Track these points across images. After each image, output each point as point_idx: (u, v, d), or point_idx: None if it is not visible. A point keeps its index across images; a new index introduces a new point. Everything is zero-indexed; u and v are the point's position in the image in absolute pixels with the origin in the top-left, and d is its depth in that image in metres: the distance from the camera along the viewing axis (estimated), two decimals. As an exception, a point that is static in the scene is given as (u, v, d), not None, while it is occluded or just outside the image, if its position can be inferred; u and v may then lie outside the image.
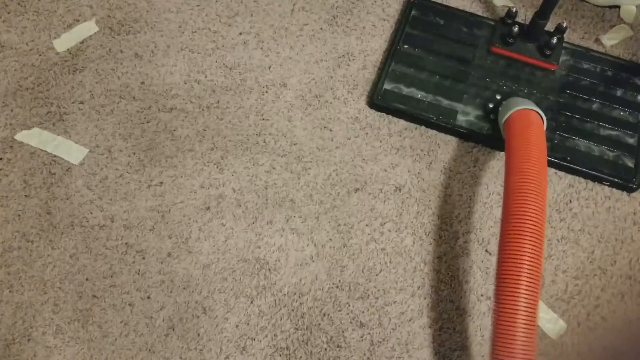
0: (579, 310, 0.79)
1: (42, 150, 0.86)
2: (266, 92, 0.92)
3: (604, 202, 0.85)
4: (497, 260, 0.67)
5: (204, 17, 0.99)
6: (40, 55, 0.94)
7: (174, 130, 0.88)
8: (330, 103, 0.91)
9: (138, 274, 0.78)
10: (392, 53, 0.94)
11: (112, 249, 0.80)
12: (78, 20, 0.98)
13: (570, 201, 0.85)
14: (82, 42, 0.96)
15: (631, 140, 0.88)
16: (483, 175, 0.87)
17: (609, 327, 0.78)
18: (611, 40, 0.98)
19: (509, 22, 0.95)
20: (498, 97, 0.90)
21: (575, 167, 0.86)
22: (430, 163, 0.87)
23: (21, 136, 0.87)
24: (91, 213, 0.82)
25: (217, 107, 0.91)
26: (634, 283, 0.81)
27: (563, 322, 0.78)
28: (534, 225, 0.66)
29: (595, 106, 0.91)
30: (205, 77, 0.93)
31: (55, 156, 0.86)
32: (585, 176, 0.87)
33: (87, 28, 0.97)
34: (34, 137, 0.87)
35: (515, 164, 0.71)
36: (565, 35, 0.96)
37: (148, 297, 0.77)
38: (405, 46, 0.95)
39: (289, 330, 0.76)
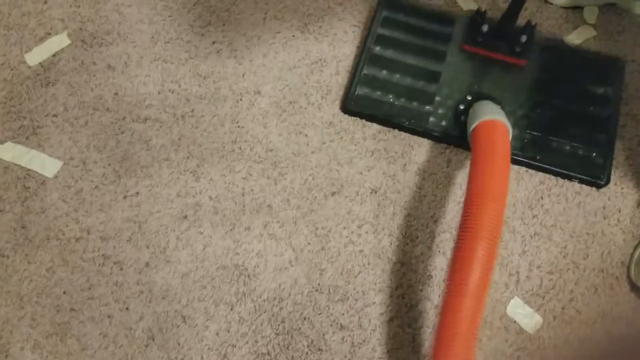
0: (554, 304, 0.81)
1: (15, 164, 0.86)
2: (240, 99, 0.93)
3: (575, 198, 0.88)
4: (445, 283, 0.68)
5: (176, 27, 0.99)
6: (12, 69, 0.94)
7: (149, 140, 0.89)
8: (305, 109, 0.92)
9: (116, 285, 0.78)
10: (364, 56, 0.95)
11: (89, 261, 0.79)
12: (49, 34, 0.97)
13: (542, 198, 0.87)
14: (54, 55, 0.95)
15: (601, 136, 0.90)
16: (456, 176, 0.88)
17: (584, 320, 0.80)
18: (575, 41, 1.01)
19: (479, 20, 0.96)
20: (469, 97, 0.92)
21: (545, 166, 0.88)
22: (405, 165, 0.88)
23: (-6, 151, 0.86)
24: (67, 226, 0.81)
25: (191, 115, 0.91)
26: (607, 276, 0.83)
27: (539, 316, 0.80)
28: (487, 250, 0.66)
29: (566, 103, 0.93)
30: (179, 86, 0.93)
31: (29, 170, 0.85)
32: (556, 174, 0.89)
33: (59, 41, 0.97)
34: (7, 152, 0.86)
35: (476, 189, 0.72)
36: (534, 32, 0.97)
37: (127, 308, 0.77)
38: (377, 47, 0.96)
39: (269, 335, 0.77)
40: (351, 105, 0.91)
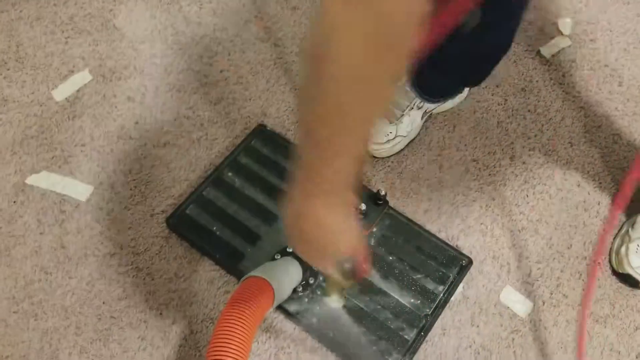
0: (543, 290, 0.89)
1: (51, 191, 0.95)
2: (249, 121, 1.02)
3: (557, 194, 0.96)
4: None
5: (186, 59, 1.09)
6: (41, 105, 1.04)
7: (169, 163, 0.98)
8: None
9: (149, 294, 0.87)
10: (211, 177, 0.93)
11: (124, 273, 0.89)
12: (72, 71, 1.07)
13: (527, 195, 0.96)
14: (78, 91, 1.05)
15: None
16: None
17: (570, 303, 0.89)
18: (550, 50, 1.10)
19: None
20: (290, 249, 0.83)
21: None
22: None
23: (31, 180, 0.96)
24: (102, 243, 0.91)
25: (205, 139, 1.01)
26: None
27: (530, 302, 0.88)
28: None
29: (386, 288, 0.86)
30: (193, 112, 1.03)
31: (64, 195, 0.95)
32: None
33: (82, 77, 1.07)
34: (43, 180, 0.96)
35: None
36: (389, 200, 0.91)
37: (160, 314, 0.86)
38: (230, 174, 0.94)
39: (288, 330, 0.85)
40: (174, 222, 0.90)
